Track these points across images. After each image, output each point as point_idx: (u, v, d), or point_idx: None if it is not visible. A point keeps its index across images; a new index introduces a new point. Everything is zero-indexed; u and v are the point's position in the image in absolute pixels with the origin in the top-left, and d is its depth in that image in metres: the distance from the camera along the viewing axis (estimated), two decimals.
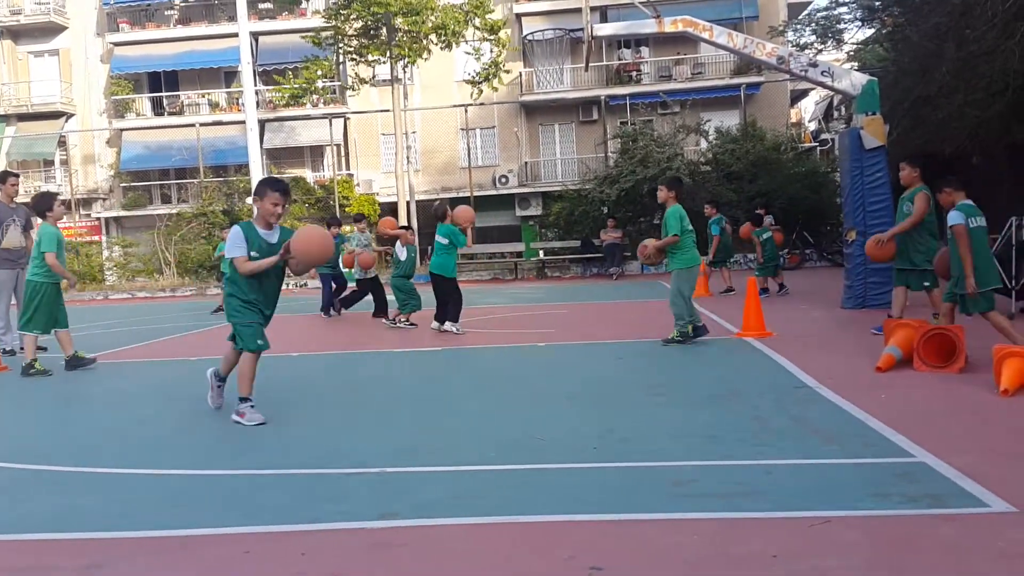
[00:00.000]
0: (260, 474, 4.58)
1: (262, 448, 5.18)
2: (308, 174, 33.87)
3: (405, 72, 28.81)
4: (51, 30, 34.53)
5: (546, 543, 3.34)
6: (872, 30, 22.21)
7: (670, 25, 11.94)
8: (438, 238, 10.95)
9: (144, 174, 34.49)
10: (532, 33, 31.96)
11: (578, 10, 14.93)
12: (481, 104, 28.93)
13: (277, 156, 33.95)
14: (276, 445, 5.24)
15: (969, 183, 10.26)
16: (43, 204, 8.73)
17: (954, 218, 6.94)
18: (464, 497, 3.98)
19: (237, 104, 32.23)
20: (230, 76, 33.90)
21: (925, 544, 3.17)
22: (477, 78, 27.46)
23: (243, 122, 25.77)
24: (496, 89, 28.21)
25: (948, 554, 3.07)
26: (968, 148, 17.96)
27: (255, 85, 28.04)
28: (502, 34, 27.39)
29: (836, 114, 33.12)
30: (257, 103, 28.31)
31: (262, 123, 31.27)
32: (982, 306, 6.84)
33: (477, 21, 26.58)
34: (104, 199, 34.64)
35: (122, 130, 34.03)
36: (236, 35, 25.99)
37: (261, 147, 28.11)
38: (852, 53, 24.49)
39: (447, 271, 10.94)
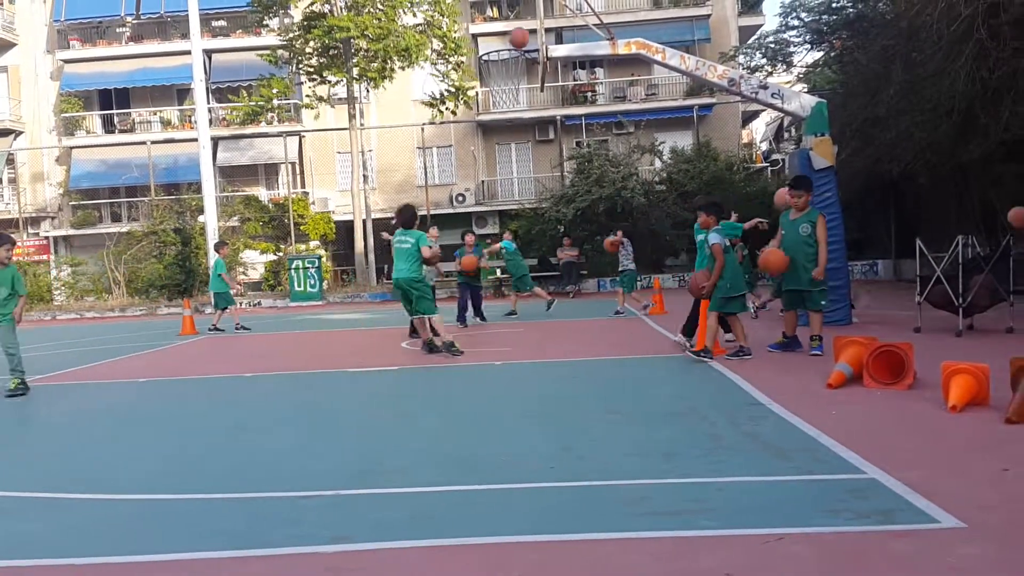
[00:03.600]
0: (210, 498, 4.49)
1: (212, 471, 5.09)
2: (262, 192, 33.57)
3: (362, 92, 28.79)
4: (0, 47, 33.89)
5: (500, 564, 3.32)
6: (821, 53, 22.74)
7: (623, 47, 12.09)
8: (406, 243, 10.31)
9: (94, 192, 33.90)
10: (488, 53, 32.15)
11: (533, 31, 15.03)
12: (438, 123, 28.99)
13: (230, 174, 33.62)
14: (227, 468, 5.16)
15: (917, 203, 10.55)
16: None
17: (713, 238, 8.46)
18: (420, 518, 3.94)
19: (190, 122, 31.88)
20: (183, 93, 33.54)
21: (876, 560, 3.21)
22: (437, 100, 27.54)
23: (195, 140, 25.51)
24: (455, 112, 28.33)
25: (898, 570, 3.11)
26: (915, 169, 18.40)
27: (208, 103, 27.77)
28: (463, 59, 27.54)
29: (786, 135, 33.81)
30: (210, 120, 28.05)
31: (215, 140, 31.00)
32: (736, 307, 8.61)
33: (436, 44, 26.70)
34: (53, 218, 33.96)
35: (72, 148, 33.46)
36: (189, 52, 25.78)
37: (214, 165, 27.84)
38: (801, 75, 25.01)
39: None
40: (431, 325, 10.49)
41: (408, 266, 10.21)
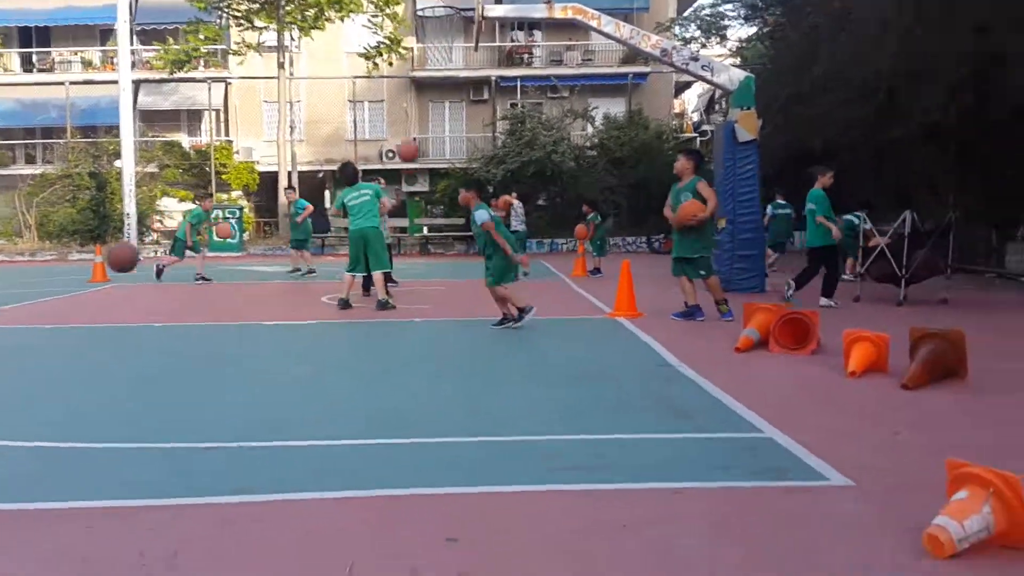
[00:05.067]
0: (109, 447, 4.39)
1: (114, 421, 4.98)
2: (184, 138, 32.55)
3: (293, 40, 28.04)
4: None
5: (404, 517, 3.34)
6: (754, 28, 23.00)
7: (560, 11, 12.03)
8: (365, 196, 10.41)
9: (8, 132, 32.37)
10: (424, 9, 31.61)
11: None
12: (370, 76, 28.46)
13: (152, 119, 32.49)
14: (128, 418, 5.05)
15: (837, 180, 10.89)
16: None
17: (482, 216, 8.36)
18: (325, 472, 3.92)
19: (112, 63, 30.60)
20: (106, 34, 32.11)
21: (766, 515, 3.33)
22: (372, 51, 26.99)
23: (117, 82, 24.54)
24: (390, 64, 27.83)
25: (787, 524, 3.23)
26: (836, 146, 18.84)
27: (132, 44, 26.69)
28: (399, 9, 27.00)
29: (717, 107, 34.17)
30: (134, 63, 27.00)
31: (137, 84, 29.87)
32: (509, 278, 8.50)
33: None
34: None
35: None
36: None
37: (134, 109, 26.84)
38: (734, 50, 25.28)
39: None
40: (378, 281, 10.52)
41: (372, 217, 10.37)
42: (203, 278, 15.31)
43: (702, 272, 8.89)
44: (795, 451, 4.13)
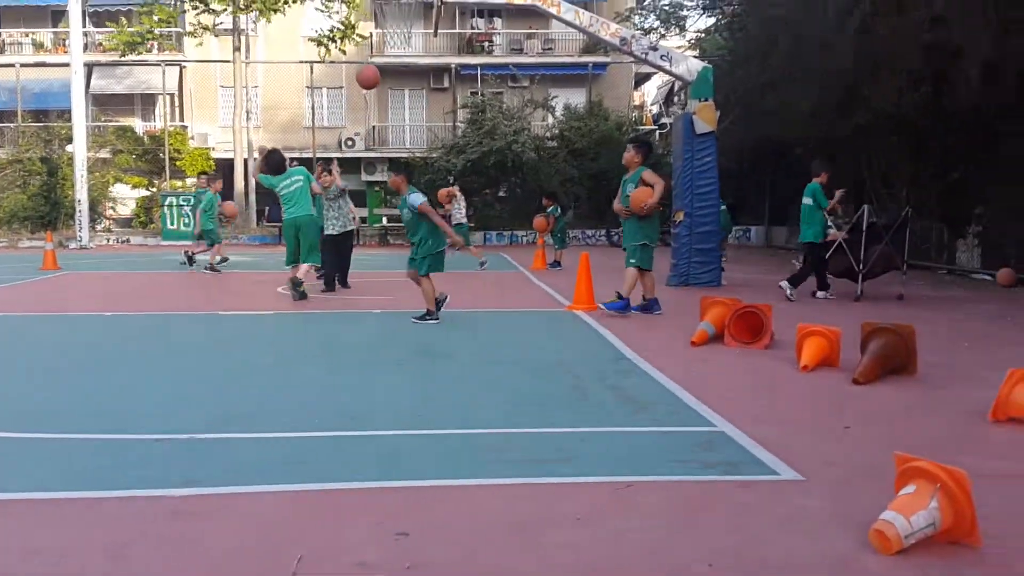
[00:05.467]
0: (60, 438, 4.31)
1: (64, 412, 4.88)
2: (138, 123, 31.92)
3: (249, 24, 27.59)
4: None
5: (354, 510, 3.31)
6: (713, 19, 23.15)
7: None
8: (297, 183, 10.17)
9: None
10: None
11: None
12: (329, 62, 28.12)
13: (105, 102, 31.77)
14: (79, 408, 4.96)
15: (791, 173, 11.03)
16: None
17: (418, 199, 8.36)
18: (278, 464, 3.88)
19: (64, 45, 29.84)
20: (58, 15, 31.32)
21: (718, 508, 3.36)
22: (325, 37, 26.66)
23: (68, 65, 23.96)
24: (344, 51, 27.51)
25: (738, 517, 3.26)
26: (794, 138, 19.07)
27: (85, 26, 26.08)
28: None
29: (676, 99, 34.40)
30: (86, 45, 26.37)
31: (90, 67, 29.20)
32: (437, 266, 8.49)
33: None
34: None
35: None
36: None
37: (87, 92, 26.26)
38: (693, 41, 25.42)
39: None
40: (303, 270, 10.30)
41: (304, 205, 10.14)
42: (213, 268, 14.65)
43: (632, 260, 8.73)
44: (748, 445, 4.17)
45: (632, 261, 8.75)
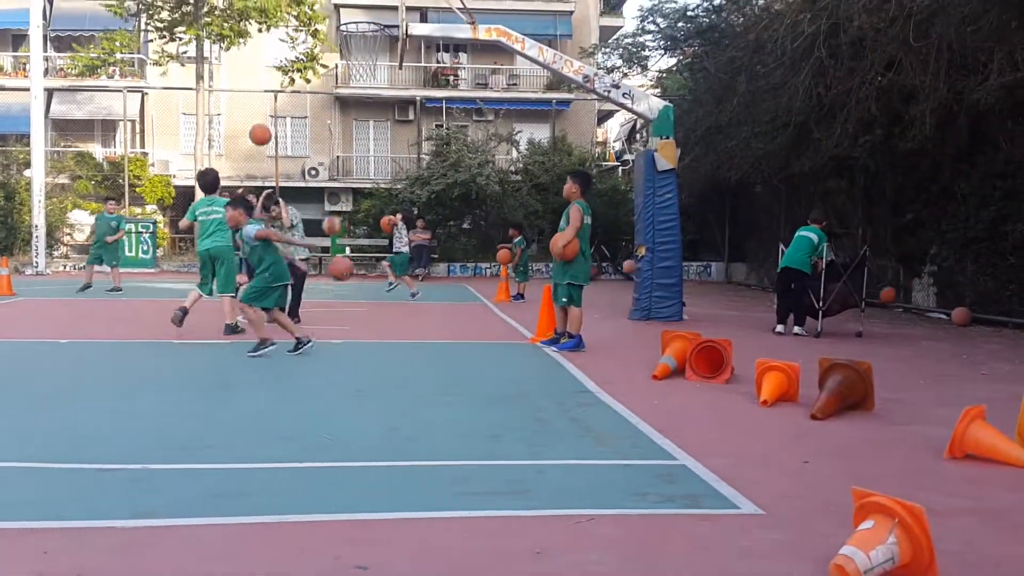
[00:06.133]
0: (7, 467, 4.18)
1: (11, 440, 4.74)
2: (98, 149, 31.55)
3: (213, 52, 27.49)
4: None
5: (314, 543, 3.24)
6: (674, 59, 23.55)
7: (484, 32, 12.10)
8: (216, 213, 9.89)
9: None
10: (347, 25, 31.43)
11: (395, 8, 14.84)
12: (294, 92, 28.08)
13: (64, 128, 31.41)
14: (28, 437, 4.81)
15: (750, 210, 11.21)
16: None
17: (251, 230, 8.21)
18: (230, 496, 3.79)
19: (24, 70, 29.49)
20: (19, 39, 30.98)
21: (678, 542, 3.34)
22: (290, 67, 26.65)
23: (28, 89, 23.64)
24: (309, 81, 27.51)
25: (698, 551, 3.24)
26: (751, 177, 19.41)
27: (45, 51, 25.78)
28: (320, 27, 26.74)
29: (638, 136, 34.86)
30: (46, 70, 26.06)
31: (51, 91, 28.87)
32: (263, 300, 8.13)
33: (297, 10, 25.83)
34: None
35: None
36: None
37: (47, 117, 25.92)
38: (655, 80, 25.83)
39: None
40: (226, 304, 9.97)
41: (222, 235, 9.78)
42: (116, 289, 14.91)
43: (563, 299, 8.66)
44: (708, 479, 4.18)
45: (564, 301, 8.67)
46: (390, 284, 16.21)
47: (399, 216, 16.24)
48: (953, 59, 11.95)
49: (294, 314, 11.19)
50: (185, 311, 9.61)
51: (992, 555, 3.27)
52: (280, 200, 10.89)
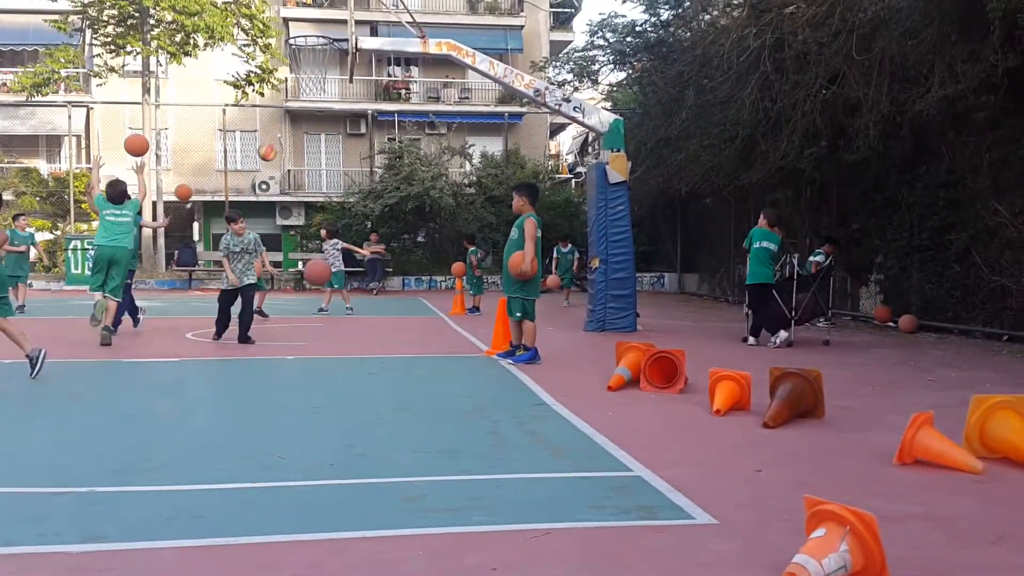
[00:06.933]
0: None
1: None
2: (42, 165, 30.90)
3: (160, 66, 27.11)
4: None
5: (266, 565, 3.19)
6: (624, 73, 23.79)
7: (435, 47, 12.12)
8: (125, 216, 10.36)
9: None
10: (296, 38, 31.20)
11: (345, 21, 14.79)
12: (242, 106, 27.79)
13: (8, 144, 30.69)
14: None
15: (701, 221, 11.36)
16: None
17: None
18: (183, 517, 3.71)
19: None
20: None
21: (634, 553, 3.35)
22: (242, 81, 26.37)
23: None
24: (262, 94, 27.27)
25: (653, 563, 3.26)
26: (701, 189, 19.65)
27: None
28: (272, 41, 26.52)
29: (590, 149, 35.13)
30: None
31: None
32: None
33: (244, 23, 25.58)
34: None
35: None
36: None
37: None
38: (606, 94, 26.05)
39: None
40: (111, 309, 10.09)
41: (127, 239, 10.15)
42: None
43: (517, 314, 8.67)
44: (663, 489, 4.20)
45: (518, 315, 8.68)
46: (320, 309, 15.52)
47: (324, 232, 15.98)
48: (895, 72, 12.24)
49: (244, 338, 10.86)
50: (111, 329, 9.81)
51: (942, 560, 3.33)
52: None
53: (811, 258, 12.78)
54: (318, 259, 10.88)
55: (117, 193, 10.28)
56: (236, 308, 10.59)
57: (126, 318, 11.45)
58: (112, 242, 10.03)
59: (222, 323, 10.68)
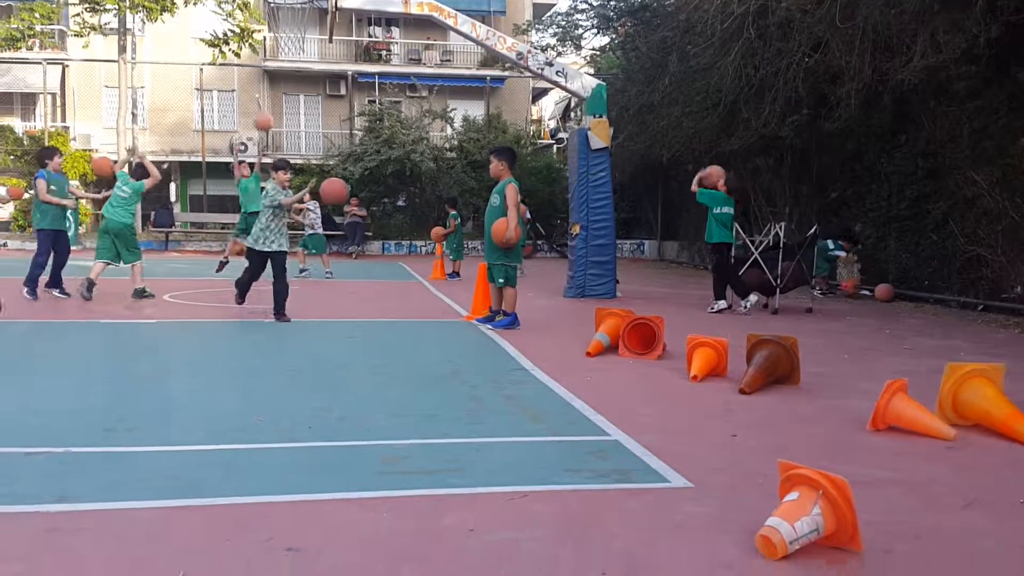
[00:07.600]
0: None
1: None
2: (17, 123, 30.30)
3: (136, 23, 26.58)
4: None
5: (244, 526, 3.19)
6: (607, 38, 23.61)
7: (416, 7, 11.94)
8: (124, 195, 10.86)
9: None
10: None
11: None
12: (220, 65, 27.34)
13: None
14: None
15: (682, 189, 11.34)
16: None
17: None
18: (160, 478, 3.71)
19: None
20: None
21: (609, 516, 3.38)
22: (220, 40, 25.90)
23: None
24: (238, 54, 26.82)
25: (629, 525, 3.29)
26: (682, 156, 19.63)
27: None
28: None
29: (572, 115, 34.92)
30: None
31: None
32: None
33: None
34: None
35: None
36: None
37: None
38: (589, 59, 25.87)
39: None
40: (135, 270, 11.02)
41: (129, 214, 10.87)
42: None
43: (500, 280, 8.68)
44: (640, 453, 4.24)
45: (500, 281, 8.67)
46: (302, 270, 15.38)
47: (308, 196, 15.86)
48: (878, 41, 12.22)
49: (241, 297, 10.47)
50: (142, 291, 10.76)
51: (913, 524, 3.39)
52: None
53: (831, 251, 13.00)
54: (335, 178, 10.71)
55: (144, 171, 11.07)
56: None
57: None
58: (119, 218, 10.82)
59: (243, 287, 9.73)
